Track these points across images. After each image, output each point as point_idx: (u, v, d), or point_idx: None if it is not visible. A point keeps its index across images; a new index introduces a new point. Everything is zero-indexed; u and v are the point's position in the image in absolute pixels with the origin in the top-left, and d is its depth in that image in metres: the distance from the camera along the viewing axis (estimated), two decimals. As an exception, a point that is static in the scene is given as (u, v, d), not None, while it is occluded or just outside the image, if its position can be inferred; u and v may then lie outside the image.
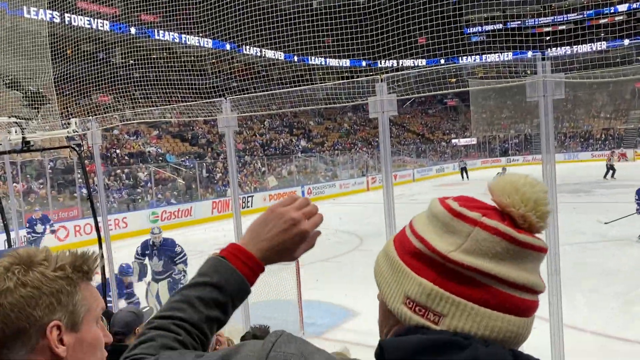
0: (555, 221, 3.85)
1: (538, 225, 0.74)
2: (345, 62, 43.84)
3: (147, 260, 8.52)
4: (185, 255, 8.42)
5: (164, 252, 8.44)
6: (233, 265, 0.94)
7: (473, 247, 0.71)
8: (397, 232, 0.87)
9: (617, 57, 32.24)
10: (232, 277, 0.94)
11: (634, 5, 44.07)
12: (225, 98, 5.07)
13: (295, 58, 40.38)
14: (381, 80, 4.13)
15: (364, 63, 42.35)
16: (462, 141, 48.01)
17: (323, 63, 43.28)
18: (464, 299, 0.71)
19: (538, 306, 0.75)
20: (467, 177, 31.56)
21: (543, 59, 3.46)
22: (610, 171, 26.35)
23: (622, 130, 46.63)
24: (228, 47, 36.36)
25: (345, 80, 4.72)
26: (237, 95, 6.41)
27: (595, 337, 6.28)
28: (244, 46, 37.00)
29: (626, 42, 38.19)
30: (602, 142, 46.13)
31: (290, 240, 0.96)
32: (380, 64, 40.44)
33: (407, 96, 4.68)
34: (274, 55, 39.06)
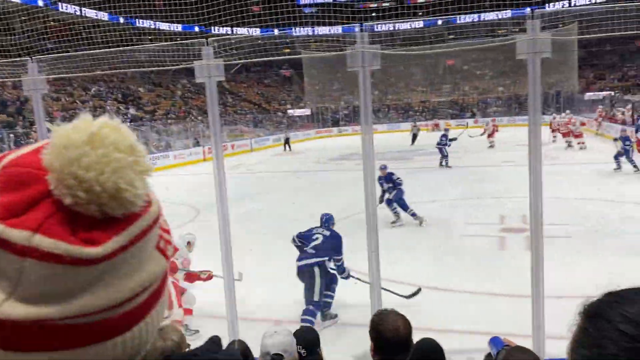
0: (372, 187, 4.13)
1: (121, 210, 0.50)
2: (177, 27, 41.95)
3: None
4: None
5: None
6: None
7: (31, 292, 0.47)
8: None
9: (432, 35, 35.44)
10: None
11: (446, -11, 48.84)
12: (32, 58, 4.51)
13: (121, 20, 37.52)
14: (207, 44, 4.01)
15: (196, 29, 40.93)
16: (297, 111, 49.28)
17: (153, 26, 40.86)
18: (48, 352, 0.49)
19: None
20: (290, 149, 32.24)
21: (361, 30, 3.64)
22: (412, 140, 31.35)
23: (436, 103, 52.01)
24: (41, 3, 32.45)
25: (170, 43, 4.48)
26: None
27: (412, 289, 6.98)
28: (60, 3, 33.31)
29: (439, 22, 42.07)
30: (420, 113, 50.87)
31: None
32: (214, 30, 39.43)
33: (235, 62, 4.61)
34: (97, 16, 35.85)
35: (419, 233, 10.12)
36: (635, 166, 15.56)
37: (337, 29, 42.72)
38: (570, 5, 35.75)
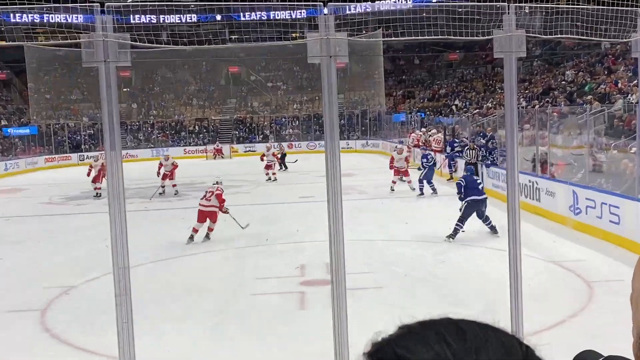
0: (122, 236, 3.96)
1: None
2: None
3: None
4: None
5: None
6: None
7: None
8: None
9: (209, 32, 36.23)
10: None
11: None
12: None
13: None
14: None
15: None
16: (18, 130, 45.89)
17: None
18: None
19: None
20: None
21: (103, 12, 3.50)
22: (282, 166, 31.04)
23: (217, 122, 52.57)
24: None
25: None
26: None
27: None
28: None
29: (218, 17, 43.27)
30: (195, 134, 50.98)
31: None
32: None
33: None
34: None
35: (194, 297, 9.98)
36: (418, 188, 19.68)
37: (78, 17, 41.18)
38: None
